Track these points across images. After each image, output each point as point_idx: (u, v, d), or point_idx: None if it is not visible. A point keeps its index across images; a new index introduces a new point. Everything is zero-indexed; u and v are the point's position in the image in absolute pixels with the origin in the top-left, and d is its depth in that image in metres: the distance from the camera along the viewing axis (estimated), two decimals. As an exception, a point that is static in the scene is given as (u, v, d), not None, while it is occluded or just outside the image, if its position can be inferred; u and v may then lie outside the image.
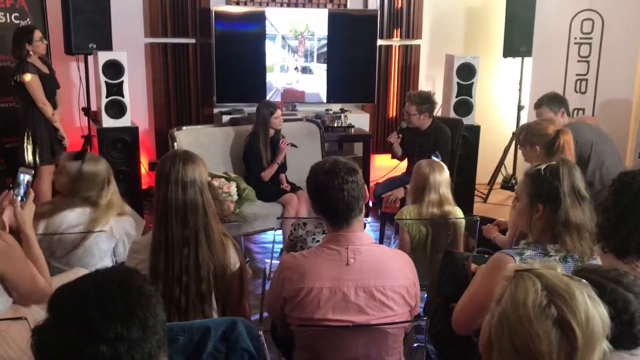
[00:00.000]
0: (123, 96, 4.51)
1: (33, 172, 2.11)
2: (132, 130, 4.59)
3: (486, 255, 2.53)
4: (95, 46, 4.64)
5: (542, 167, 2.00)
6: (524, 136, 3.17)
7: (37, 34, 4.26)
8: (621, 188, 2.17)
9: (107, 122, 4.50)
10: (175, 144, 4.25)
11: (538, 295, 1.11)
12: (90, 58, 4.77)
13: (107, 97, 4.46)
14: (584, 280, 1.18)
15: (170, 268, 1.97)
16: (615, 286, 1.52)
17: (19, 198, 2.04)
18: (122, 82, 4.47)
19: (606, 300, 1.46)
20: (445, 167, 3.15)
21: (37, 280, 2.03)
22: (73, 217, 2.61)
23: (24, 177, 2.08)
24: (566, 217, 1.91)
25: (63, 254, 2.57)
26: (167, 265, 1.98)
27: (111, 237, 2.65)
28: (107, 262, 2.62)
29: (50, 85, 4.38)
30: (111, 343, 0.93)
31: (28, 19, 4.71)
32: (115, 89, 4.47)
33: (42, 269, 2.09)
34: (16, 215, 2.02)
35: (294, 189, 4.34)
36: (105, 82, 4.43)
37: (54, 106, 4.38)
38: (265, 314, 3.00)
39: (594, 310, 1.11)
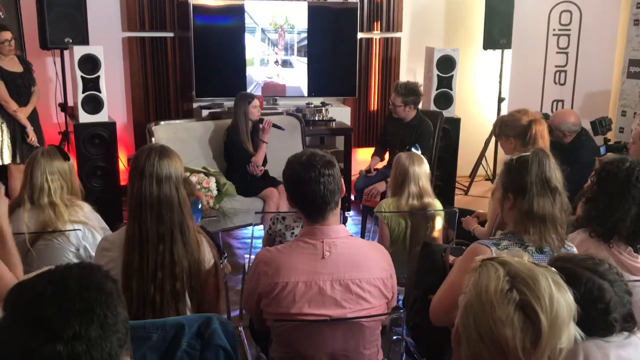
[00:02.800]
0: (100, 91, 4.44)
1: None
2: (110, 126, 4.53)
3: (464, 247, 2.52)
4: (71, 40, 4.57)
5: (515, 157, 2.01)
6: (499, 128, 3.18)
7: (3, 35, 4.19)
8: (608, 178, 2.17)
9: (84, 117, 4.44)
10: (153, 139, 4.20)
11: (500, 281, 1.12)
12: (66, 53, 4.70)
13: (83, 92, 4.40)
14: (552, 268, 1.18)
15: (145, 264, 1.93)
16: (591, 275, 1.54)
17: None
18: (98, 76, 4.40)
19: (582, 290, 1.48)
20: (425, 159, 3.15)
21: (5, 277, 1.99)
22: (25, 218, 2.54)
23: None
24: (529, 207, 1.92)
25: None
26: (141, 262, 1.93)
27: (68, 242, 2.58)
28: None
29: (21, 83, 4.32)
30: (69, 342, 0.90)
31: (0, 13, 4.62)
32: (91, 84, 4.40)
33: (13, 265, 2.06)
34: None
35: (275, 183, 4.32)
36: (82, 77, 4.36)
37: (25, 104, 4.32)
38: (245, 310, 2.98)
39: (558, 295, 1.11)
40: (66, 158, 2.67)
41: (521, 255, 1.20)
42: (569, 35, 5.47)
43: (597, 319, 1.50)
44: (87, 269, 1.00)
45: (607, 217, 2.13)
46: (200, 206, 3.57)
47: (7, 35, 4.22)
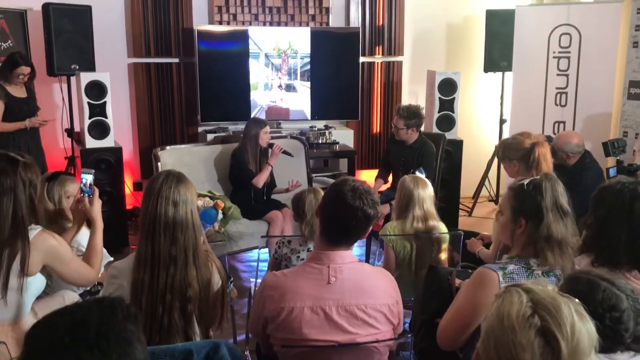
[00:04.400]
0: (106, 117, 4.49)
1: (93, 171, 2.47)
2: (116, 151, 4.57)
3: (470, 270, 2.53)
4: (77, 67, 4.64)
5: (526, 181, 2.01)
6: (502, 151, 3.20)
7: (20, 70, 4.33)
8: (599, 202, 2.16)
9: (90, 142, 4.48)
10: (159, 163, 4.24)
11: (523, 306, 1.13)
12: (72, 79, 4.77)
13: (90, 117, 4.45)
14: (575, 299, 1.19)
15: (155, 284, 1.94)
16: (609, 285, 1.57)
17: (86, 196, 2.41)
18: (105, 102, 4.46)
19: (599, 297, 1.51)
20: (429, 182, 3.17)
21: (81, 272, 2.28)
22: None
23: (86, 178, 2.41)
24: (548, 232, 1.92)
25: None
26: (151, 281, 1.94)
27: None
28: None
29: (26, 109, 4.42)
30: None
31: (9, 41, 4.70)
32: (98, 110, 4.46)
33: (94, 258, 2.36)
34: (86, 211, 2.40)
35: (279, 206, 4.34)
36: (88, 102, 4.42)
37: (28, 130, 4.43)
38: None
39: (580, 324, 1.12)
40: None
41: (546, 285, 1.21)
42: (569, 58, 5.53)
43: (609, 327, 1.51)
44: (108, 311, 0.99)
45: (601, 244, 2.10)
46: (217, 215, 3.63)
47: (26, 70, 4.36)
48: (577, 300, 1.20)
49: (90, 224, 2.46)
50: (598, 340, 1.16)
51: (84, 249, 2.68)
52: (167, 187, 1.96)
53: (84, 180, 2.42)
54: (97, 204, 2.43)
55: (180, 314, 1.97)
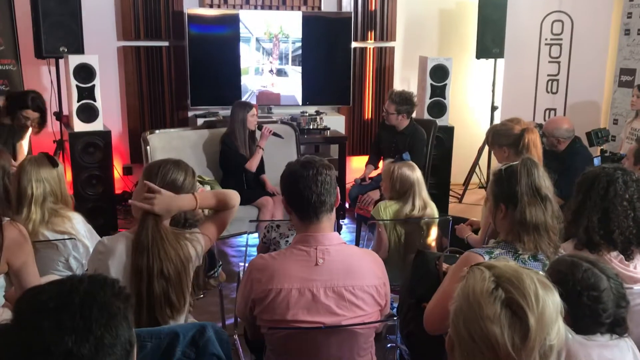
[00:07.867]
0: (95, 100, 4.45)
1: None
2: (105, 135, 4.54)
3: (458, 255, 2.54)
4: (66, 49, 4.58)
5: (503, 167, 2.03)
6: (492, 138, 3.21)
7: (26, 113, 3.98)
8: (579, 188, 2.20)
9: (79, 126, 4.45)
10: (147, 147, 4.21)
11: (486, 282, 1.15)
12: (61, 61, 4.71)
13: (78, 101, 4.41)
14: (539, 272, 1.21)
15: (151, 267, 1.94)
16: (590, 266, 1.60)
17: None
18: (93, 85, 4.42)
19: (579, 276, 1.55)
20: (416, 166, 3.17)
21: (39, 279, 2.11)
22: None
23: None
24: (521, 216, 1.93)
25: None
26: (148, 264, 1.94)
27: (55, 252, 2.58)
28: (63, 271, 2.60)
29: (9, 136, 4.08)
30: (59, 357, 0.90)
31: (-4, 22, 4.63)
32: (86, 93, 4.42)
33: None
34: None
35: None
36: (77, 85, 4.38)
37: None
38: (240, 318, 2.98)
39: (543, 292, 1.14)
40: (54, 165, 2.64)
41: (507, 261, 1.23)
42: (560, 45, 5.53)
43: (587, 306, 1.54)
44: (97, 285, 1.00)
45: (578, 228, 2.13)
46: None
47: (32, 115, 4.01)
48: (540, 272, 1.23)
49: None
50: (564, 306, 1.18)
51: (82, 238, 2.66)
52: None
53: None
54: None
55: (165, 290, 1.96)
